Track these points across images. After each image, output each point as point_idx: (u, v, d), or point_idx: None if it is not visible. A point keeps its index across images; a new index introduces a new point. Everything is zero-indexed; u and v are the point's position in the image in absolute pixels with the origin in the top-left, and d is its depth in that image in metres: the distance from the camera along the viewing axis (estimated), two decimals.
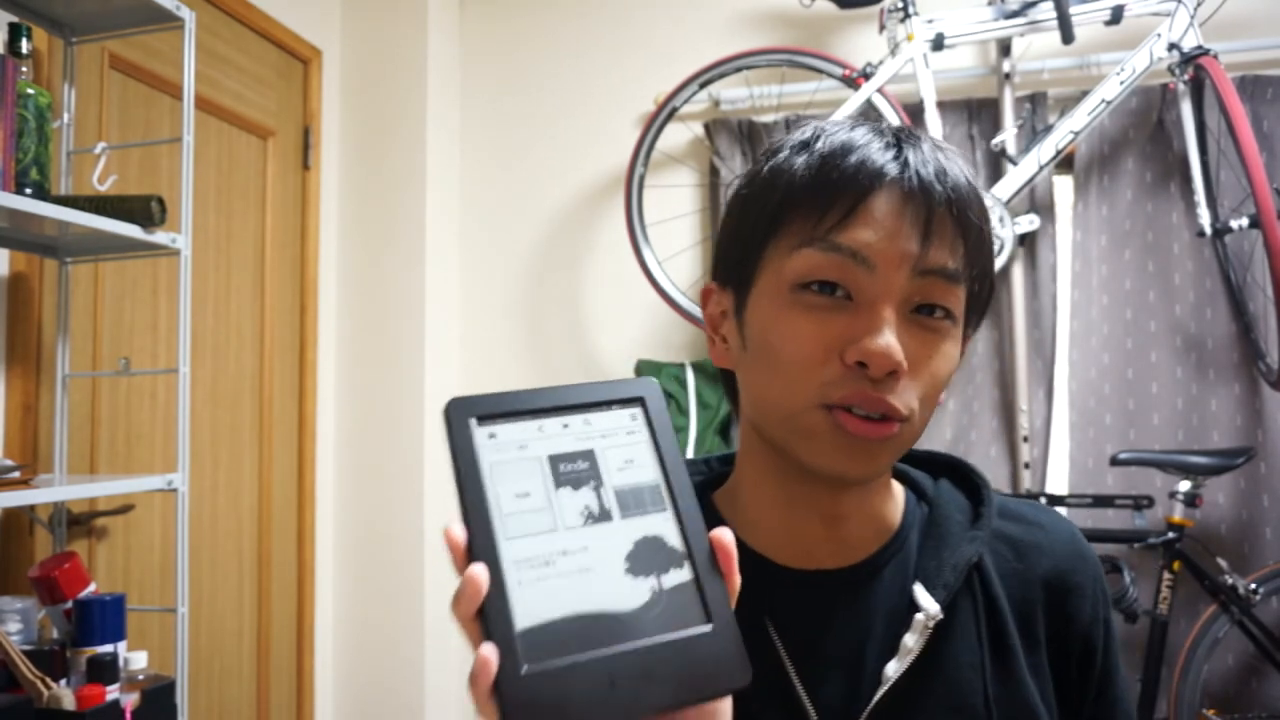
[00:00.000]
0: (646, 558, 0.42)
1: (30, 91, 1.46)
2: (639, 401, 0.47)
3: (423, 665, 2.56)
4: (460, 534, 0.41)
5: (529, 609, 0.39)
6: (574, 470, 0.44)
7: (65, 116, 1.72)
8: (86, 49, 1.84)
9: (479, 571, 0.39)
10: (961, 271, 0.58)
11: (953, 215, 0.58)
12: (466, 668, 0.39)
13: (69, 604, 1.45)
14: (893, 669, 0.60)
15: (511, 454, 0.43)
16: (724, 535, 0.44)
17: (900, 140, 0.60)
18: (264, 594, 2.38)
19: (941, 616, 0.60)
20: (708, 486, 0.71)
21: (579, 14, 2.79)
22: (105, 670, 1.39)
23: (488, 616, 0.39)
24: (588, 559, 0.41)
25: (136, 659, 1.50)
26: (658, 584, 0.42)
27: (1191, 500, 2.11)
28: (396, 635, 2.58)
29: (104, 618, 1.44)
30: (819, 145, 0.60)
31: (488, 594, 0.39)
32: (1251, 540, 2.20)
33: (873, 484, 0.65)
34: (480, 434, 0.43)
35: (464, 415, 0.43)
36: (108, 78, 1.93)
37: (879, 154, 0.58)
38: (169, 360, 2.00)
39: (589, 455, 0.44)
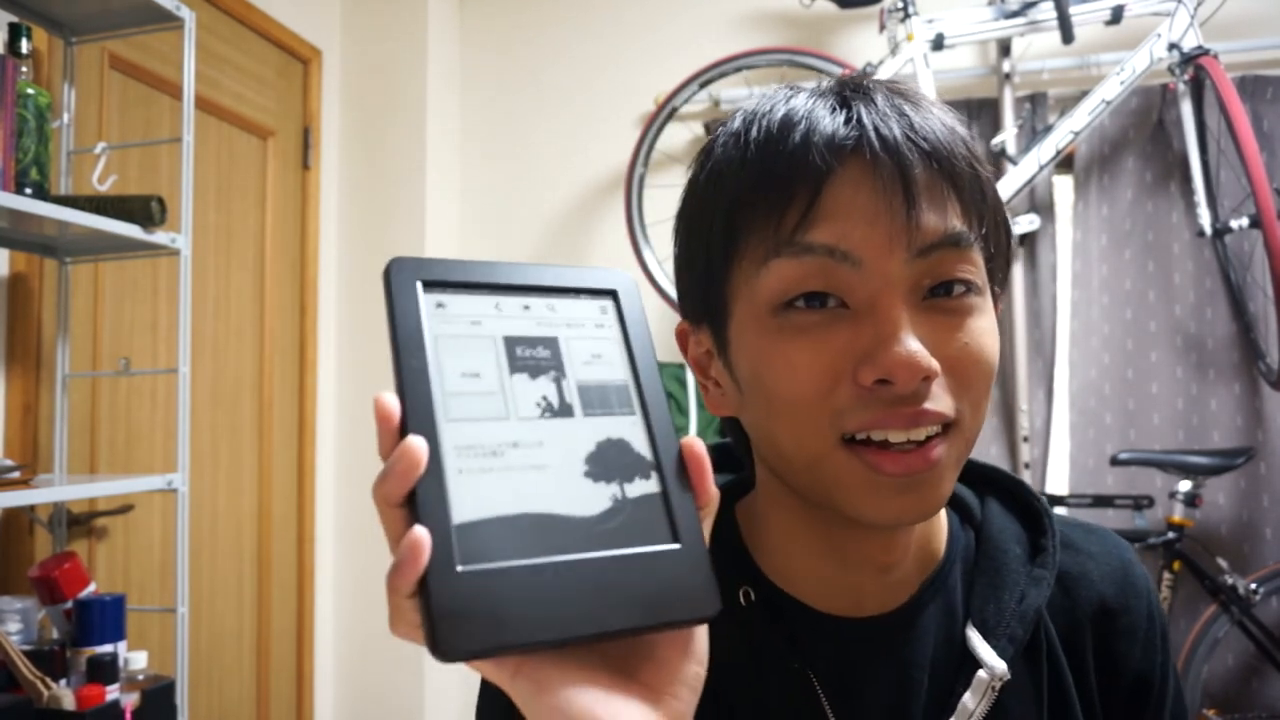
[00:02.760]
0: (609, 462, 0.36)
1: (30, 91, 1.46)
2: (611, 294, 0.41)
3: (422, 665, 2.55)
4: (393, 404, 0.34)
5: (469, 501, 0.33)
6: (533, 357, 0.37)
7: (65, 116, 1.72)
8: (86, 49, 1.84)
9: (417, 445, 0.32)
10: (967, 232, 0.48)
11: (935, 170, 0.47)
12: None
13: (69, 604, 1.45)
14: None
15: (461, 328, 0.37)
16: (695, 444, 0.38)
17: (847, 98, 0.49)
18: (264, 594, 2.38)
19: (1009, 677, 0.52)
20: (728, 492, 0.61)
21: (579, 14, 2.79)
22: (105, 670, 1.39)
23: (419, 503, 0.32)
24: (542, 455, 0.35)
25: (136, 659, 1.50)
26: (620, 492, 0.36)
27: (1191, 500, 2.11)
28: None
29: (104, 618, 1.44)
30: (753, 132, 0.49)
31: (421, 477, 0.32)
32: (1251, 540, 2.20)
33: None
34: (426, 301, 0.36)
35: (409, 277, 0.36)
36: (108, 78, 1.93)
37: (827, 121, 0.48)
38: (169, 360, 2.00)
39: (551, 343, 0.38)
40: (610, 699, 0.34)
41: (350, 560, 2.64)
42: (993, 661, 0.53)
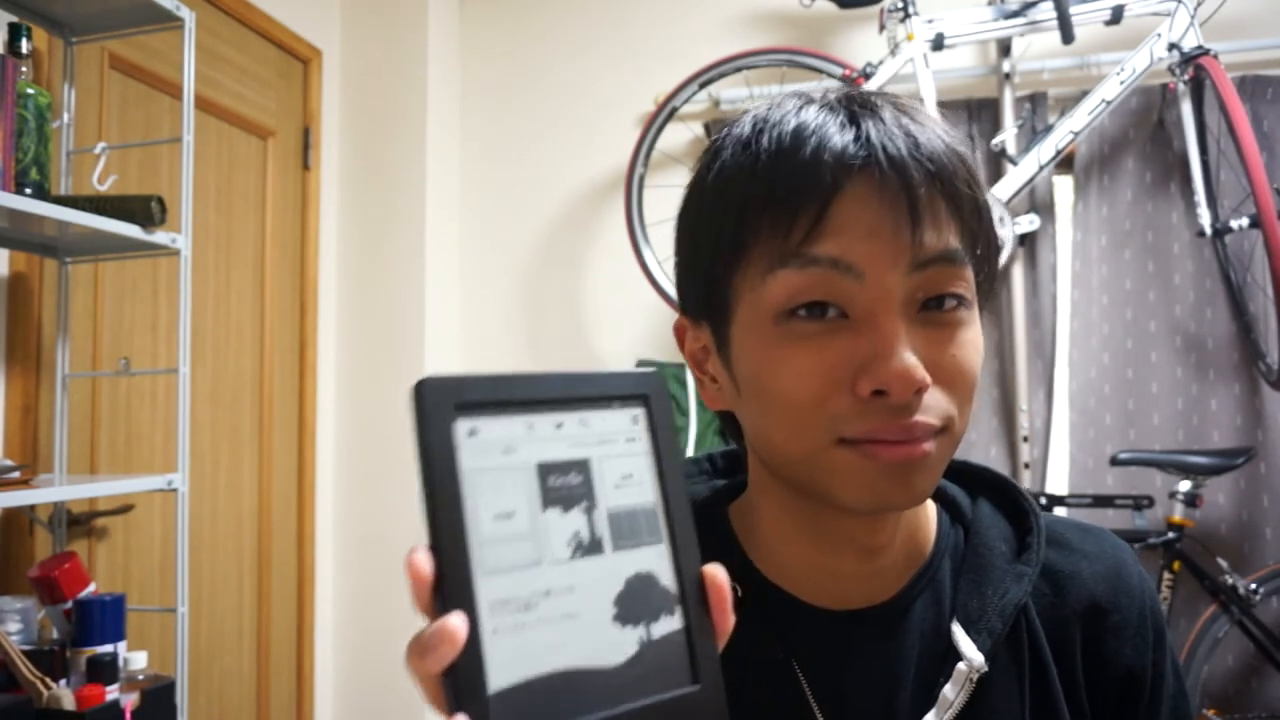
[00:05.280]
0: (637, 602, 0.37)
1: (30, 91, 1.46)
2: (643, 400, 0.40)
3: None
4: (427, 565, 0.34)
5: (504, 665, 0.34)
6: (565, 486, 0.37)
7: (65, 116, 1.72)
8: (86, 49, 1.84)
9: (458, 626, 0.33)
10: (962, 250, 0.50)
11: (938, 190, 0.49)
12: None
13: (69, 604, 1.45)
14: None
15: (495, 459, 0.36)
16: (718, 575, 0.38)
17: (856, 114, 0.51)
18: (264, 594, 2.38)
19: (986, 669, 0.54)
20: (722, 498, 0.64)
21: (579, 14, 2.79)
22: (105, 670, 1.39)
23: (457, 674, 0.33)
24: (574, 603, 0.35)
25: (136, 659, 1.50)
26: (646, 634, 0.36)
27: (1192, 500, 2.11)
28: (396, 635, 2.58)
29: (104, 618, 1.44)
30: (764, 141, 0.51)
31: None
32: (1251, 540, 2.20)
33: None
34: (460, 429, 0.35)
35: (441, 401, 0.35)
36: (108, 78, 1.93)
37: (837, 137, 0.49)
38: (169, 360, 2.00)
39: (583, 467, 0.37)
40: None
41: (350, 560, 2.64)
42: (971, 654, 0.54)
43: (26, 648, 1.42)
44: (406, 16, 2.69)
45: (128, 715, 1.42)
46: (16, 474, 1.40)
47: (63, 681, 1.41)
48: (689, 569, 0.38)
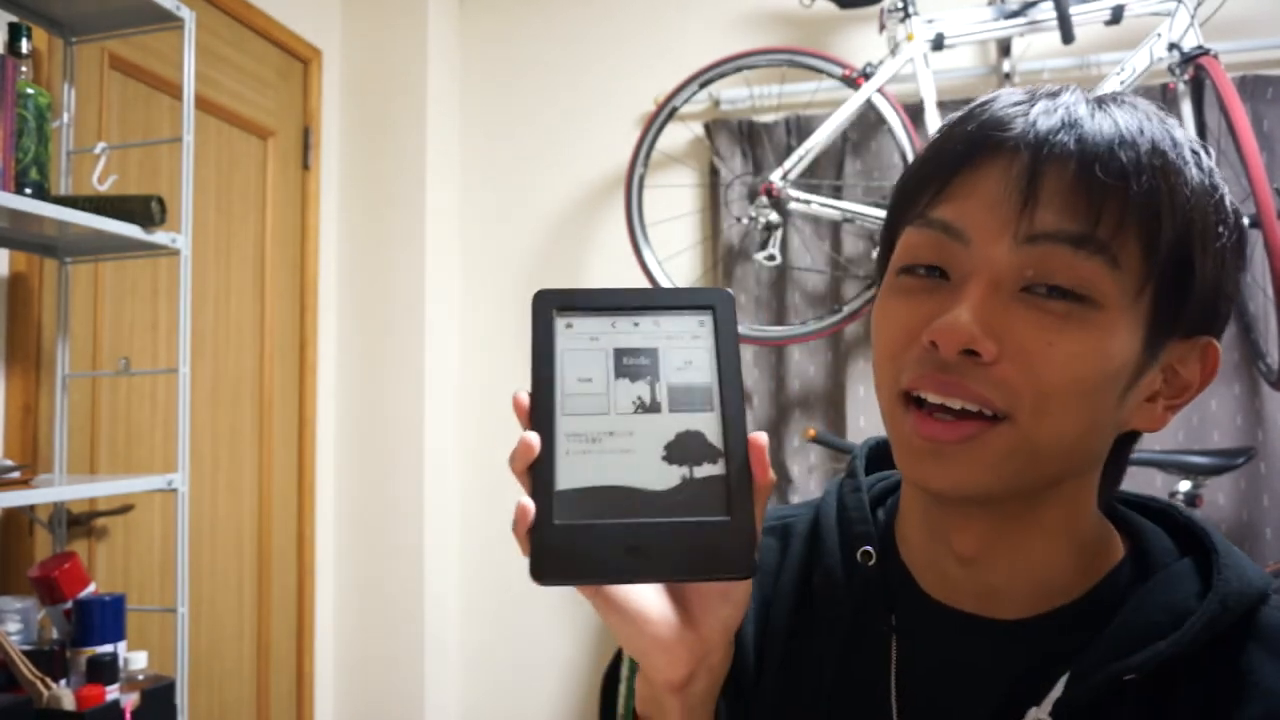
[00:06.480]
0: (684, 449, 0.46)
1: (30, 91, 1.46)
2: (710, 309, 0.50)
3: (422, 665, 2.55)
4: (525, 400, 0.46)
5: (570, 474, 0.45)
6: (635, 364, 0.48)
7: (65, 116, 1.72)
8: (86, 49, 1.84)
9: (532, 438, 0.45)
10: (1090, 236, 0.46)
11: (1074, 172, 0.47)
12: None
13: (69, 604, 1.46)
14: None
15: (583, 343, 0.48)
16: (759, 437, 0.46)
17: (1034, 97, 0.51)
18: (264, 594, 2.38)
19: None
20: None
21: (579, 14, 2.79)
22: (105, 670, 1.39)
23: (535, 475, 0.45)
24: (630, 442, 0.46)
25: (136, 659, 1.50)
26: (689, 473, 0.46)
27: (1191, 500, 2.10)
28: (396, 635, 2.58)
29: (104, 618, 1.44)
30: (953, 116, 0.54)
31: (538, 456, 0.45)
32: (1251, 540, 2.20)
33: (1019, 526, 0.53)
34: (559, 323, 0.48)
35: (548, 305, 0.49)
36: (108, 78, 1.93)
37: (1001, 111, 0.50)
38: (169, 360, 2.00)
39: (652, 353, 0.48)
40: (646, 633, 0.47)
41: (350, 560, 2.64)
42: (1047, 703, 0.51)
43: (26, 648, 1.42)
44: (406, 16, 2.69)
45: (128, 715, 1.42)
46: (16, 474, 1.40)
47: (63, 681, 1.41)
48: (735, 433, 0.47)
